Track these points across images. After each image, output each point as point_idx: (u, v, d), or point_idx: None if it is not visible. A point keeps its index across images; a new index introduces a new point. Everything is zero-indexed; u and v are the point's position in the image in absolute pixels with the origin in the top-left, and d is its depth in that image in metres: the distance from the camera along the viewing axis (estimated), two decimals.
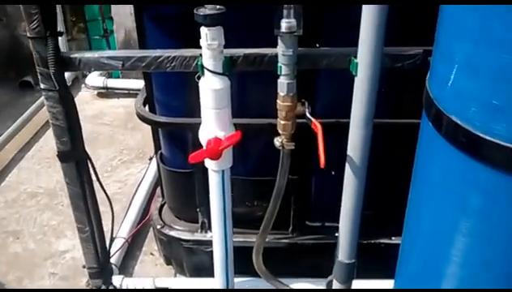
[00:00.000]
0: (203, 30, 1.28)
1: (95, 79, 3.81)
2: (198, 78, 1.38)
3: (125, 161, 3.08)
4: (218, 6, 1.27)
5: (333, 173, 1.78)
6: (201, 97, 1.39)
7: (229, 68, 1.36)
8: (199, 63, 1.35)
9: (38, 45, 1.39)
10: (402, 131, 1.73)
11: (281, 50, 1.30)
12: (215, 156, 1.37)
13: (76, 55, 1.42)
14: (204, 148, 1.41)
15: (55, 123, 1.51)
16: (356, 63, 1.29)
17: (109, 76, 3.87)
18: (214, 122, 1.38)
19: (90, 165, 1.62)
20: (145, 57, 1.40)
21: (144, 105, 1.89)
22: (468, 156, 0.91)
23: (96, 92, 3.87)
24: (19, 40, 3.97)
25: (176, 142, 1.90)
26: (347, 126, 1.63)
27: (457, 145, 0.94)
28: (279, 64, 1.33)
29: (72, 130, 1.53)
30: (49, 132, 3.27)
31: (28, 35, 1.38)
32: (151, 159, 2.89)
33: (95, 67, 1.43)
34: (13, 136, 3.24)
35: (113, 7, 3.70)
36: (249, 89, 1.72)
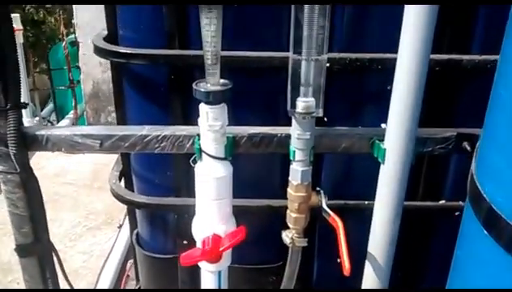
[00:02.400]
0: (204, 108, 1.06)
1: None
2: (194, 161, 1.15)
3: (92, 228, 2.78)
4: (222, 81, 1.06)
5: (338, 261, 1.56)
6: (197, 185, 1.15)
7: (232, 151, 1.14)
8: (197, 147, 1.12)
9: None
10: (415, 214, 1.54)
11: (296, 133, 1.09)
12: (214, 259, 1.12)
13: (43, 132, 1.17)
14: (199, 245, 1.16)
15: (14, 212, 1.24)
16: (384, 150, 1.09)
17: None
18: (213, 216, 1.14)
19: (56, 260, 1.35)
20: (129, 136, 1.16)
21: (120, 179, 1.64)
22: None
23: None
24: None
25: (157, 222, 1.64)
26: (356, 209, 1.43)
27: None
28: (293, 148, 1.11)
29: (35, 218, 1.26)
30: None
31: None
32: (120, 226, 2.61)
33: (66, 148, 1.18)
34: None
35: (81, 57, 3.46)
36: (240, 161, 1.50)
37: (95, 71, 3.45)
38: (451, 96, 1.34)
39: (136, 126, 1.19)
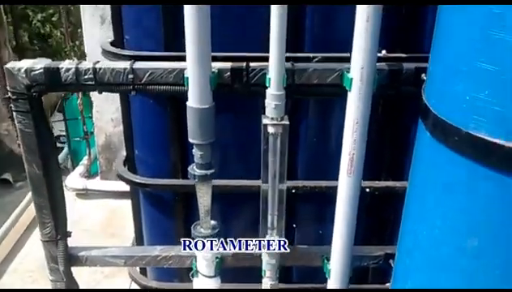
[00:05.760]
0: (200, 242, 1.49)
1: (75, 180, 3.94)
2: (193, 275, 1.59)
3: (108, 275, 3.18)
4: (213, 223, 1.49)
5: None
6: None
7: (219, 268, 1.57)
8: (194, 268, 1.55)
9: (49, 246, 1.57)
10: None
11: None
12: None
13: (84, 253, 1.61)
14: None
15: None
16: (329, 270, 1.52)
17: (89, 177, 4.03)
18: None
19: None
20: (145, 257, 1.60)
21: None
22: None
23: (75, 192, 3.99)
24: None
25: None
26: None
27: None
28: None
29: None
30: (34, 236, 3.37)
31: (41, 238, 1.57)
32: None
33: (100, 264, 1.61)
34: None
35: (95, 113, 3.87)
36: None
37: (107, 126, 3.87)
38: (388, 216, 1.75)
39: (150, 247, 1.64)
